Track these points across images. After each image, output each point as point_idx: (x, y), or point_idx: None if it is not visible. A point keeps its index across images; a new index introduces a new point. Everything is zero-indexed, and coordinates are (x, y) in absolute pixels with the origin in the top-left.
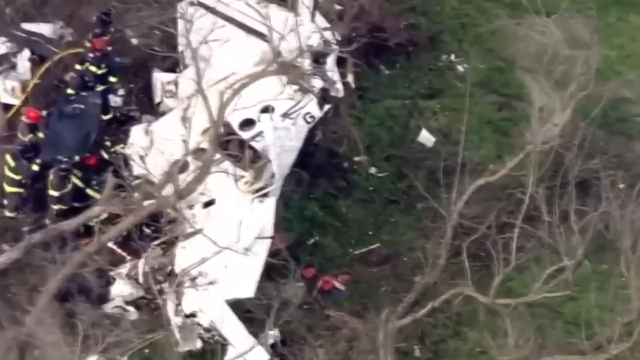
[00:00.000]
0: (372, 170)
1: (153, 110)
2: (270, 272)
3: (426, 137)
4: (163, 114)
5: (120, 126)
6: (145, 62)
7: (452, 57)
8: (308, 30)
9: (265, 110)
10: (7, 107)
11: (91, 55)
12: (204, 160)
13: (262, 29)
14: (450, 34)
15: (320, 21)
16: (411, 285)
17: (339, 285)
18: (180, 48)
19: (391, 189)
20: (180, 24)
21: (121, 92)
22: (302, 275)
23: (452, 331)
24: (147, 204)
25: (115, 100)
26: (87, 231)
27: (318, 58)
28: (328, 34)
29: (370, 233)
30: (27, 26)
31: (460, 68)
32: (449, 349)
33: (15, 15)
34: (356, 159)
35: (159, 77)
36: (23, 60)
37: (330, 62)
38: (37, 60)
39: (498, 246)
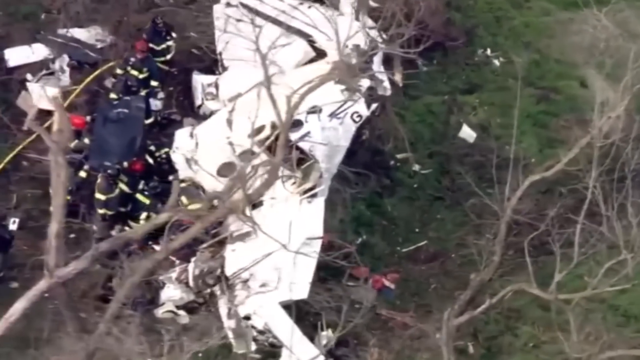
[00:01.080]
0: (416, 167)
1: (194, 113)
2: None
3: (467, 133)
4: (204, 116)
5: (162, 130)
6: (184, 65)
7: (488, 51)
8: (353, 29)
9: (313, 111)
10: (47, 113)
11: (132, 59)
12: (273, 163)
13: (306, 29)
14: (484, 28)
15: (364, 20)
16: (460, 282)
17: (389, 283)
18: (218, 49)
19: (435, 186)
20: (218, 25)
21: (161, 95)
22: (352, 275)
23: (505, 327)
24: (216, 210)
25: (155, 104)
26: (150, 238)
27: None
28: (374, 33)
29: (417, 230)
30: (64, 32)
31: (496, 62)
32: (503, 344)
33: (68, 22)
34: (399, 156)
35: (199, 79)
36: (62, 66)
37: (377, 60)
38: (76, 66)
39: (555, 241)
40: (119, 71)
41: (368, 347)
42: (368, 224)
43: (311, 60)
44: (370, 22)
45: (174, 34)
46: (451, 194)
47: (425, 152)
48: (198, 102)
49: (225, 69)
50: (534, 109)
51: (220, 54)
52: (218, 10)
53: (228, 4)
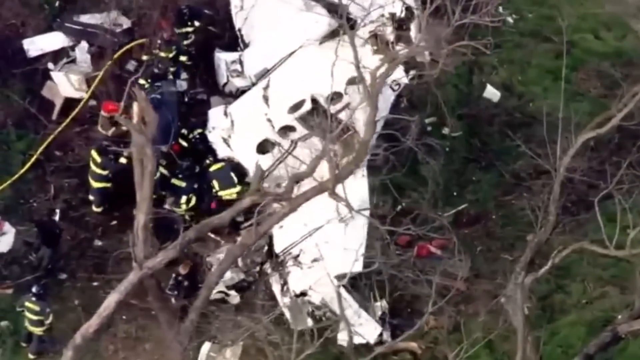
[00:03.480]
0: (445, 130)
1: (219, 91)
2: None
3: (492, 92)
4: (231, 94)
5: (189, 110)
6: (204, 44)
7: (500, 9)
8: None
9: (352, 81)
10: (72, 101)
11: (159, 41)
12: (362, 141)
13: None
14: None
15: None
16: (505, 243)
17: (435, 250)
18: (237, 26)
19: (467, 148)
20: (234, 2)
21: (184, 75)
22: (396, 243)
23: (555, 285)
24: (305, 191)
25: (180, 84)
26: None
27: (402, 25)
28: (410, 1)
29: (455, 194)
30: (81, 18)
31: (509, 20)
32: (555, 303)
33: (67, 6)
34: (427, 120)
35: (222, 57)
36: (82, 53)
37: (414, 28)
38: (97, 51)
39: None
40: (144, 57)
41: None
42: (406, 190)
43: (334, 32)
44: None
45: (197, 23)
46: (483, 154)
47: (454, 114)
48: (223, 80)
49: (247, 45)
50: (553, 64)
51: (240, 30)
52: None
53: None
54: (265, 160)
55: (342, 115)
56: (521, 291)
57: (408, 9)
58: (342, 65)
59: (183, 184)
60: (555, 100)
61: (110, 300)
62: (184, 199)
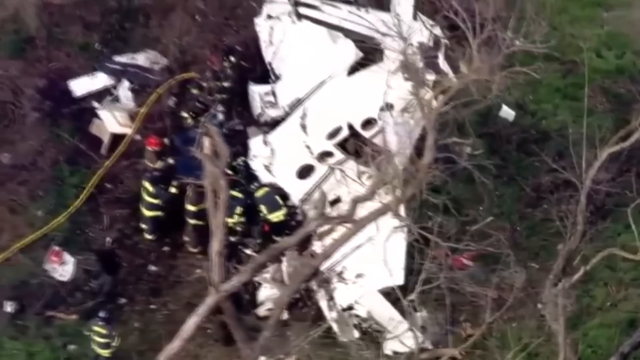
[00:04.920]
0: (467, 149)
1: (255, 121)
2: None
3: (507, 112)
4: (266, 124)
5: (228, 141)
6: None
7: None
8: (414, 28)
9: (385, 108)
10: (119, 136)
11: (209, 73)
12: (423, 164)
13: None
14: None
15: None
16: (530, 252)
17: (467, 261)
18: (267, 60)
19: (489, 165)
20: (262, 37)
21: (220, 107)
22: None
23: (581, 290)
24: (370, 212)
25: (217, 116)
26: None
27: (429, 53)
28: (436, 30)
29: (481, 208)
30: (121, 58)
31: (518, 42)
32: (581, 306)
33: (105, 48)
34: (450, 140)
35: (256, 90)
36: (124, 91)
37: (441, 55)
38: (138, 89)
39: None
40: (194, 90)
41: (459, 323)
42: (436, 206)
43: (361, 63)
44: (428, 21)
45: (232, 58)
46: (504, 170)
47: (474, 133)
48: (258, 111)
49: (277, 77)
50: (562, 83)
51: (270, 63)
52: (260, 23)
53: (269, 17)
54: (306, 185)
55: (377, 140)
56: (562, 297)
57: (435, 38)
58: (374, 92)
59: (240, 195)
60: (564, 117)
61: (191, 323)
62: (239, 209)
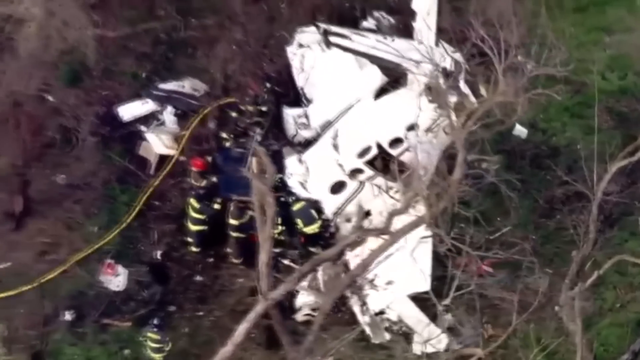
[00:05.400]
0: (484, 165)
1: (289, 142)
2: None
3: (520, 130)
4: (300, 144)
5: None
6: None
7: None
8: (437, 54)
9: (411, 127)
10: (165, 157)
11: (248, 98)
12: (454, 180)
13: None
14: None
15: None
16: (545, 259)
17: (487, 268)
18: (299, 85)
19: (506, 179)
20: (294, 65)
21: (258, 130)
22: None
23: (592, 293)
24: (405, 225)
25: (255, 137)
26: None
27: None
28: (457, 56)
29: (499, 219)
30: (165, 86)
31: (529, 66)
32: (593, 308)
33: (151, 76)
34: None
35: (290, 113)
36: (169, 115)
37: (462, 77)
38: (181, 113)
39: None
40: (233, 114)
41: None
42: (459, 218)
43: (386, 88)
44: (449, 47)
45: (267, 84)
46: (520, 183)
47: (491, 150)
48: (292, 132)
49: (309, 100)
50: (570, 102)
51: (302, 88)
52: (292, 51)
53: (300, 45)
54: (338, 199)
55: (404, 157)
56: (579, 299)
57: (457, 63)
58: (399, 114)
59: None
60: (573, 134)
61: (241, 329)
62: (279, 219)
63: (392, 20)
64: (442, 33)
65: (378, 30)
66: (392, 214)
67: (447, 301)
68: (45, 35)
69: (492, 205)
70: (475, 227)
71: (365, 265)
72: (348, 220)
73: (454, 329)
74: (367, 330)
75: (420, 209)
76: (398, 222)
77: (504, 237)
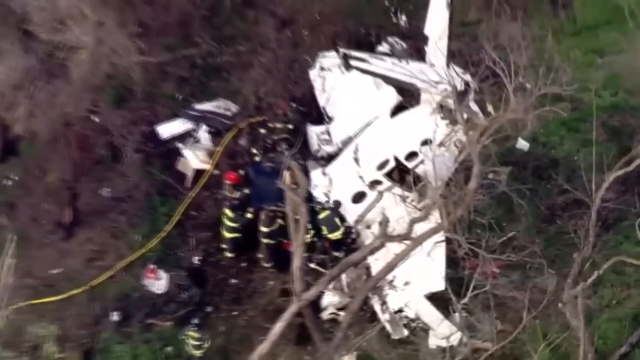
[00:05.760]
0: (490, 175)
1: (313, 156)
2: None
3: (522, 144)
4: (322, 158)
5: None
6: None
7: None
8: (449, 75)
9: (425, 142)
10: (200, 171)
11: (276, 116)
12: (470, 190)
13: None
14: None
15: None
16: (548, 261)
17: (496, 269)
18: (321, 104)
19: (511, 187)
20: (316, 86)
21: (285, 146)
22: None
23: (590, 291)
24: (425, 231)
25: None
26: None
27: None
28: (466, 76)
29: (504, 224)
30: (200, 106)
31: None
32: (592, 305)
33: (188, 98)
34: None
35: (313, 129)
36: (203, 133)
37: (471, 96)
38: (214, 131)
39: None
40: (262, 131)
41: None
42: (474, 224)
43: (401, 106)
44: (459, 69)
45: (292, 104)
46: (524, 192)
47: (497, 161)
48: (315, 147)
49: (331, 118)
50: (567, 118)
51: (324, 107)
52: (314, 74)
53: (322, 69)
54: (359, 208)
55: (419, 170)
56: (581, 297)
57: (467, 83)
58: (414, 130)
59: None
60: (570, 146)
61: (277, 328)
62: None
63: (404, 45)
64: (453, 57)
65: (392, 54)
66: (413, 221)
67: (465, 300)
68: (95, 61)
69: (502, 213)
70: (490, 232)
71: (389, 269)
72: (368, 227)
73: (469, 326)
74: (387, 327)
75: (437, 217)
76: (418, 229)
77: (515, 241)
